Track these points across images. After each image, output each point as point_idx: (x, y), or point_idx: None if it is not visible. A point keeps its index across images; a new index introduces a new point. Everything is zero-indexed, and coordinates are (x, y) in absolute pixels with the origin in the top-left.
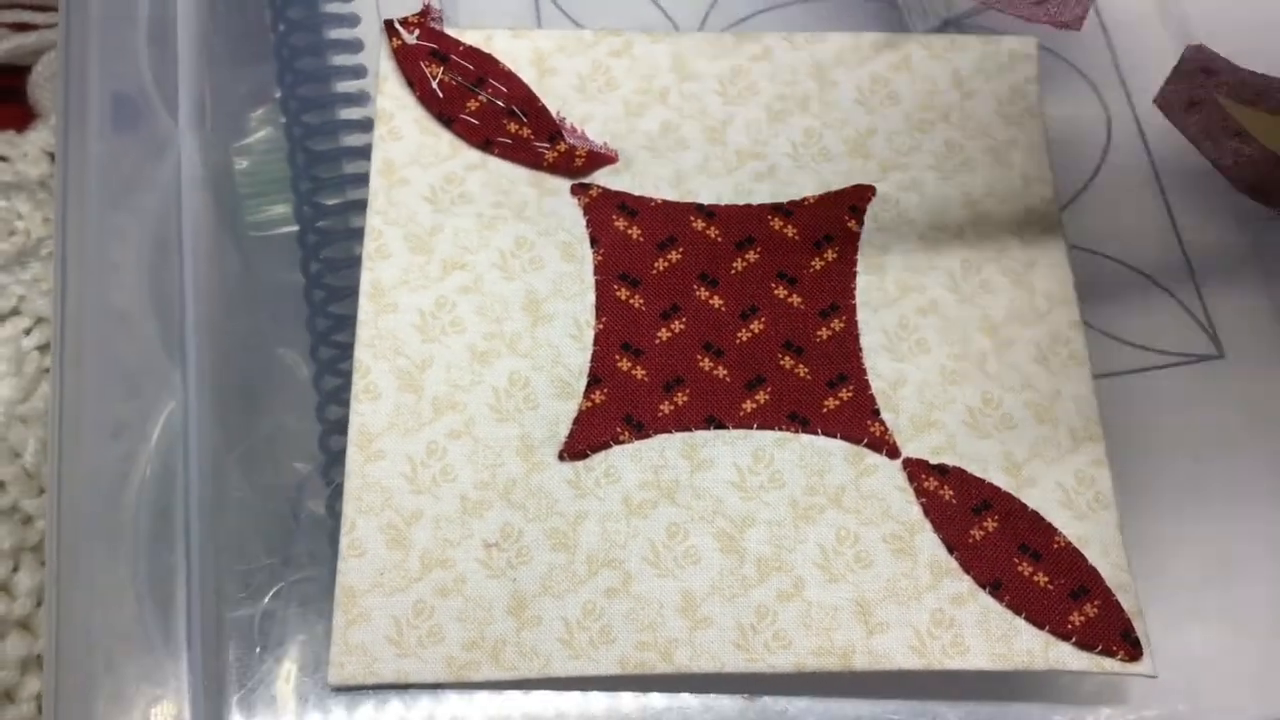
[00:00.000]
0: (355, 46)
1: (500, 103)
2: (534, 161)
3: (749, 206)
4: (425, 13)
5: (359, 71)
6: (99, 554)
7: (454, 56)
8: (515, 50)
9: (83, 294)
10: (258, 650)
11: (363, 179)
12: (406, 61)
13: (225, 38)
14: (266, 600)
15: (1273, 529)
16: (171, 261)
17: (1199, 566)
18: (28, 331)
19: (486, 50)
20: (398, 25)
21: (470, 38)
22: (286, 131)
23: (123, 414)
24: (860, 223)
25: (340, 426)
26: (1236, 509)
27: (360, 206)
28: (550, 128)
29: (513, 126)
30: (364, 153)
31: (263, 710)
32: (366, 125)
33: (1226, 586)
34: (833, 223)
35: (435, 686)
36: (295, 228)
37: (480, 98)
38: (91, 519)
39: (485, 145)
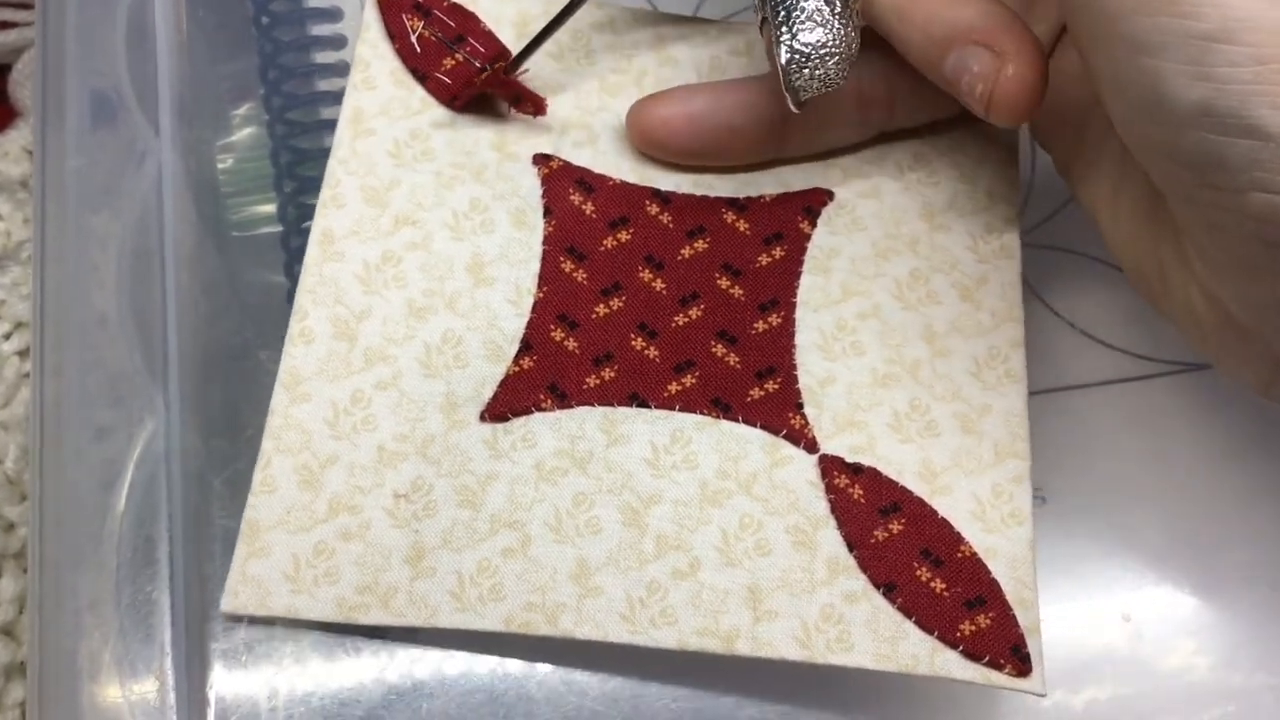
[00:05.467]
0: (339, 43)
1: (477, 62)
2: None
3: (705, 198)
4: None
5: (342, 69)
6: (82, 562)
7: (437, 12)
8: (500, 11)
9: (62, 298)
10: (243, 659)
11: None
12: (389, 12)
13: (206, 33)
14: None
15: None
16: (152, 264)
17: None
18: (7, 336)
19: (470, 9)
20: None
21: None
22: (269, 130)
23: (105, 420)
24: (813, 224)
25: None
26: (1229, 523)
27: None
28: (495, 50)
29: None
30: None
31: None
32: None
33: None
34: (785, 222)
35: (322, 625)
36: (279, 228)
37: (457, 56)
38: (74, 527)
39: (451, 103)
